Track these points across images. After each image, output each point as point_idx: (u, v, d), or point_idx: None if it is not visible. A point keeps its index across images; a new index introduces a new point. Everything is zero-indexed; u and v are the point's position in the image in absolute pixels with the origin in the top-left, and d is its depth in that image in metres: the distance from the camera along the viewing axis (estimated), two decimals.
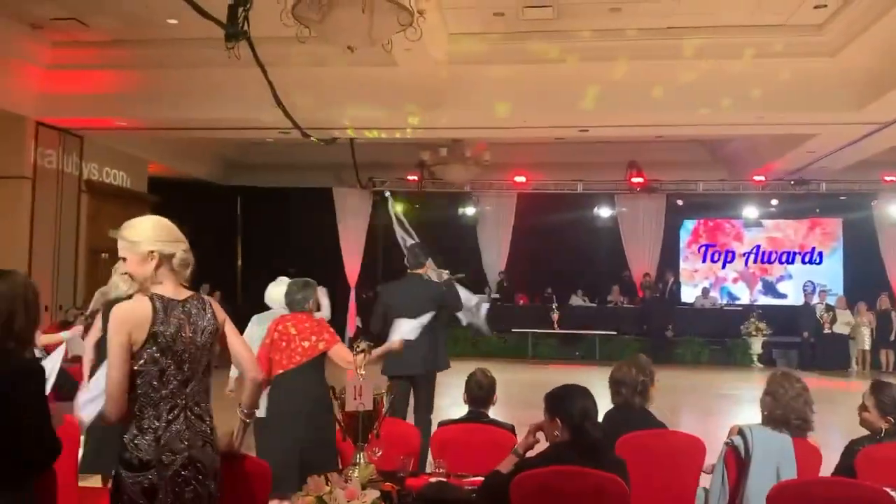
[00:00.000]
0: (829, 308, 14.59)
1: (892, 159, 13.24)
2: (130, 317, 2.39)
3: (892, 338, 14.03)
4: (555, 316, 14.88)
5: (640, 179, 15.23)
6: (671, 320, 14.83)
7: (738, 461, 3.28)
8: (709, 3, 8.86)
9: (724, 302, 16.39)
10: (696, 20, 9.27)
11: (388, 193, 16.13)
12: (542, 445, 2.87)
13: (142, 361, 2.40)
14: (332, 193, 16.69)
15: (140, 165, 13.98)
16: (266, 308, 4.96)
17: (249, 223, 17.47)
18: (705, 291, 16.04)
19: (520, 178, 15.58)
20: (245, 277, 16.97)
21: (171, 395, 2.43)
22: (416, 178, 15.56)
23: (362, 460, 2.86)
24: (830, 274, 16.71)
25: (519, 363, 13.93)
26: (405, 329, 4.54)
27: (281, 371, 4.04)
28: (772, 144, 13.37)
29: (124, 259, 2.51)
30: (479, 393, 3.68)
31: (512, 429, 3.59)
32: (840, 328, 14.25)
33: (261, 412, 3.83)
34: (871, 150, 12.13)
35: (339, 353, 4.05)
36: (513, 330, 14.86)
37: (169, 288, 2.49)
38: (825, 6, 8.74)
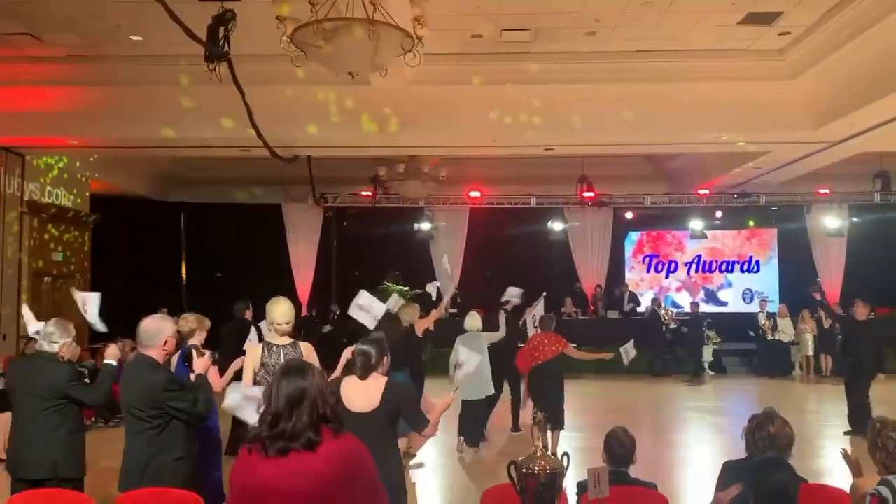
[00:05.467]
0: (769, 316, 15.28)
1: (826, 173, 13.93)
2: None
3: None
4: None
5: (590, 194, 15.48)
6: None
7: None
8: (679, 29, 9.10)
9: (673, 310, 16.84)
10: (666, 45, 9.50)
11: None
12: None
13: None
14: (282, 209, 16.31)
15: (82, 184, 13.24)
16: None
17: (193, 240, 16.81)
18: (655, 301, 16.44)
19: (475, 193, 15.60)
20: (190, 296, 16.31)
21: None
22: (369, 193, 15.34)
23: None
24: (767, 281, 17.50)
25: None
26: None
27: None
28: (719, 160, 13.84)
29: None
30: (621, 451, 3.53)
31: (654, 487, 3.47)
32: (781, 335, 14.94)
33: None
34: (816, 164, 12.74)
35: None
36: None
37: None
38: (789, 33, 9.13)
